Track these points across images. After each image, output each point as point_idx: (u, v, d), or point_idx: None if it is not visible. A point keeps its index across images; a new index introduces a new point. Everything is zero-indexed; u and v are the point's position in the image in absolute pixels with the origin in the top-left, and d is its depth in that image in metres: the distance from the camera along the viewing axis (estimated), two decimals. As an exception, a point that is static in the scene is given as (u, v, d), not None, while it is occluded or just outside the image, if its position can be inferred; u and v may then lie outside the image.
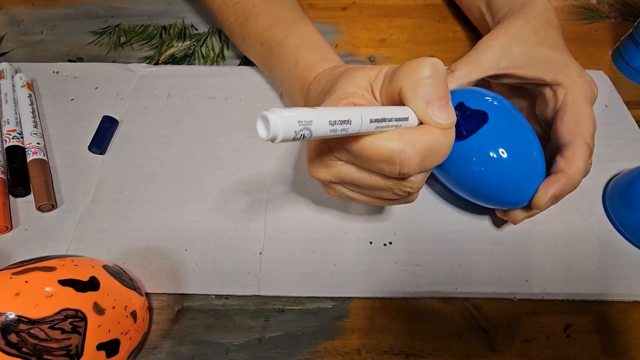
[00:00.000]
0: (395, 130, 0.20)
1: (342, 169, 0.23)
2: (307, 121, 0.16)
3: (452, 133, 0.21)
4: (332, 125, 0.17)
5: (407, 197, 0.24)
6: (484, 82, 0.33)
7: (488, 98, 0.28)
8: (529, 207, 0.28)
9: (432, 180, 0.34)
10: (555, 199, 0.26)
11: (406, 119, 0.21)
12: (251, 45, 0.37)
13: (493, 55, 0.31)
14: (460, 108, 0.27)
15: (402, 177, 0.22)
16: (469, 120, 0.27)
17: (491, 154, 0.26)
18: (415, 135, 0.21)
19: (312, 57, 0.31)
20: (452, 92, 0.29)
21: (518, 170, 0.26)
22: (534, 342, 0.28)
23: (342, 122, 0.18)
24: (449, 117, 0.21)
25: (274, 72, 0.35)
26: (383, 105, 0.22)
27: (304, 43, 0.33)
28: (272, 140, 0.16)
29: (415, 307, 0.29)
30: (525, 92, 0.33)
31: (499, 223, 0.32)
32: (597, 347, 0.28)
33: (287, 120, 0.16)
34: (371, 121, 0.19)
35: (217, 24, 0.41)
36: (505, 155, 0.26)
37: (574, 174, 0.26)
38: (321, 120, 0.17)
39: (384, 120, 0.19)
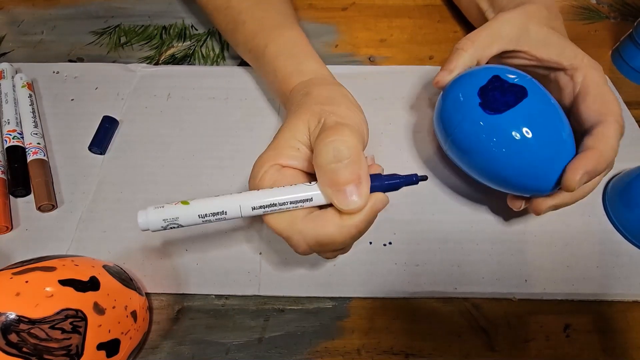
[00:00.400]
0: (288, 214, 0.22)
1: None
2: (172, 218, 0.21)
3: (354, 223, 0.21)
4: (203, 217, 0.21)
5: (333, 258, 0.25)
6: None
7: (514, 76, 0.27)
8: (554, 195, 0.26)
9: (432, 180, 0.34)
10: (588, 177, 0.24)
11: (309, 199, 0.22)
12: (242, 52, 0.37)
13: (513, 30, 0.30)
14: (496, 81, 0.26)
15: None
16: (505, 94, 0.25)
17: (525, 131, 0.25)
18: (306, 224, 0.21)
19: (286, 69, 0.31)
20: (482, 67, 0.28)
21: (548, 150, 0.25)
22: (534, 342, 0.28)
23: (215, 213, 0.21)
24: (354, 202, 0.21)
25: (263, 78, 0.35)
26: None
27: (282, 51, 0.32)
28: (147, 230, 0.21)
29: (415, 307, 0.29)
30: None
31: (499, 223, 0.32)
32: (597, 347, 0.28)
33: (153, 217, 0.21)
34: (254, 208, 0.22)
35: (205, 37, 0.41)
36: (532, 135, 0.25)
37: (606, 150, 0.25)
38: (189, 216, 0.21)
39: (273, 205, 0.22)
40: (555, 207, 0.27)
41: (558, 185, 0.26)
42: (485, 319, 0.29)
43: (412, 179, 0.24)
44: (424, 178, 0.24)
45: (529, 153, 0.25)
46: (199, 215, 0.21)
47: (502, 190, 0.29)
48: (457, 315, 0.29)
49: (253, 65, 0.37)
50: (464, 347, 0.28)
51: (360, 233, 0.22)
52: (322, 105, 0.25)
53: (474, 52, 0.29)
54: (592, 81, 0.28)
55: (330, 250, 0.23)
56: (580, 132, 0.27)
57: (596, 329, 0.28)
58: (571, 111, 0.29)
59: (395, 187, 0.23)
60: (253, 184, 0.24)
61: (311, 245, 0.22)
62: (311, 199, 0.22)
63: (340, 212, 0.22)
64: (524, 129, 0.25)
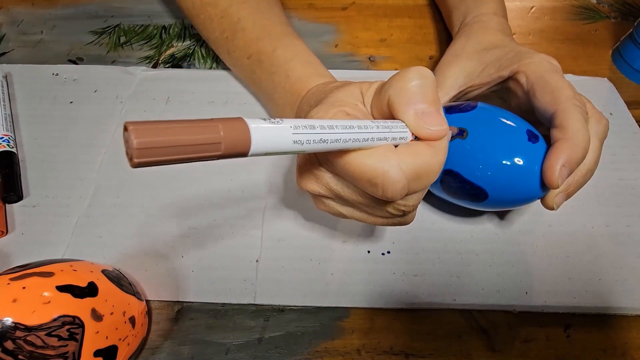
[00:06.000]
0: (382, 148, 0.19)
1: (330, 182, 0.22)
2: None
3: (443, 149, 0.20)
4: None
5: (402, 217, 0.23)
6: None
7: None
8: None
9: (432, 189, 0.34)
10: (567, 168, 0.24)
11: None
12: (237, 59, 0.37)
13: (450, 78, 0.32)
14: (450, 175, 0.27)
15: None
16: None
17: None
18: (403, 156, 0.19)
19: (304, 71, 0.31)
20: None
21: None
22: (534, 342, 0.28)
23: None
24: (440, 124, 0.20)
25: (262, 84, 0.35)
26: (374, 118, 0.22)
27: (295, 57, 0.32)
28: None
29: (415, 308, 0.29)
30: (498, 97, 0.33)
31: (499, 233, 0.32)
32: (597, 347, 0.28)
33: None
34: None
35: (202, 38, 0.40)
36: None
37: (573, 135, 0.24)
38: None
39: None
40: (567, 196, 0.26)
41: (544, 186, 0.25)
42: (485, 319, 0.29)
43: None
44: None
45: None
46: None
47: (500, 209, 0.30)
48: (458, 316, 0.29)
49: (248, 70, 0.36)
50: (464, 348, 0.28)
51: (443, 164, 0.20)
52: (365, 81, 0.24)
53: None
54: (534, 76, 0.27)
55: (424, 184, 0.20)
56: (548, 123, 0.27)
57: (596, 329, 0.28)
58: (534, 110, 0.28)
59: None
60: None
61: (410, 179, 0.19)
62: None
63: (425, 142, 0.20)
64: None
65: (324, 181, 0.22)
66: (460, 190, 0.27)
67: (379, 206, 0.21)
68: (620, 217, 0.33)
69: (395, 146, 0.20)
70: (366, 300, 0.29)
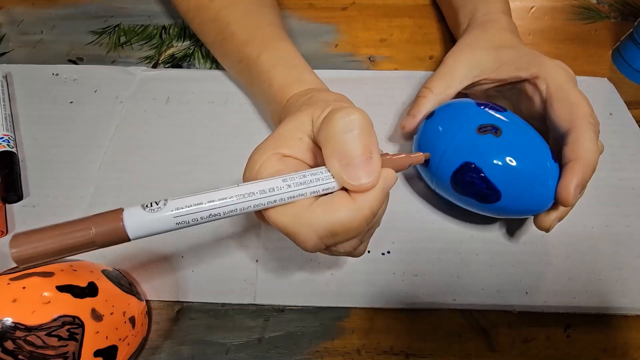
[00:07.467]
0: (297, 204, 0.19)
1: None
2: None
3: (369, 203, 0.19)
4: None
5: (349, 254, 0.23)
6: (460, 95, 0.33)
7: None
8: (554, 207, 0.27)
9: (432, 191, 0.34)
10: (580, 188, 0.25)
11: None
12: (231, 63, 0.37)
13: (464, 67, 0.32)
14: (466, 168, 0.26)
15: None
16: (474, 183, 0.26)
17: (508, 160, 0.25)
18: (316, 214, 0.19)
19: (285, 78, 0.30)
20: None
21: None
22: (534, 342, 0.28)
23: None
24: (368, 175, 0.19)
25: (253, 90, 0.35)
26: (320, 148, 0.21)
27: (278, 62, 0.32)
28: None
29: (416, 308, 0.29)
30: (503, 97, 0.33)
31: (499, 234, 0.32)
32: (597, 347, 0.28)
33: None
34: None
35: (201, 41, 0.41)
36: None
37: (586, 157, 0.25)
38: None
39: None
40: (560, 219, 0.27)
41: (552, 200, 0.26)
42: (485, 319, 0.29)
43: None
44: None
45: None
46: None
47: (498, 216, 0.30)
48: (458, 316, 0.29)
49: (241, 76, 0.36)
50: (464, 348, 0.28)
51: (374, 215, 0.20)
52: (327, 102, 0.24)
53: (434, 97, 0.31)
54: (555, 86, 0.28)
55: (344, 239, 0.20)
56: (559, 137, 0.27)
57: (596, 329, 0.28)
58: (546, 118, 0.29)
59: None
60: (249, 176, 0.21)
61: (323, 237, 0.19)
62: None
63: (350, 193, 0.19)
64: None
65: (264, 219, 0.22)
66: (473, 187, 0.27)
67: None
68: (620, 217, 0.33)
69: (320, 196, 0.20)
70: (366, 300, 0.29)
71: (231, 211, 0.18)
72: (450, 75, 0.32)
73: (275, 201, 0.19)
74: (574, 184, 0.24)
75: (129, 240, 0.17)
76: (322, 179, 0.19)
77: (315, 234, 0.19)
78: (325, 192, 0.20)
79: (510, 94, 0.32)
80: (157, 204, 0.17)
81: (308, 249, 0.19)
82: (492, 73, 0.31)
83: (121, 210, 0.16)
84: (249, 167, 0.21)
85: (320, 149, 0.21)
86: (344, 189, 0.20)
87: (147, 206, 0.17)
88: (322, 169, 0.20)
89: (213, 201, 0.18)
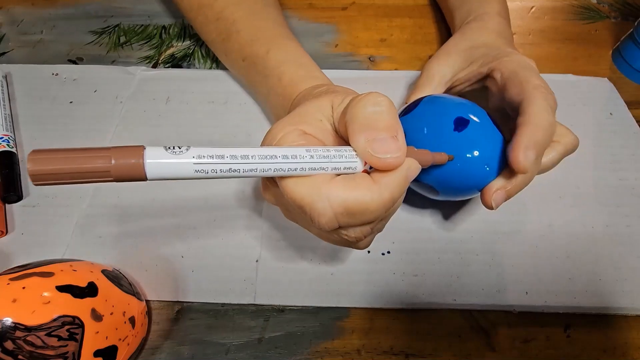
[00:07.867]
0: (317, 177, 0.18)
1: (278, 196, 0.21)
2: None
3: (390, 186, 0.19)
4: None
5: (353, 243, 0.22)
6: None
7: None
8: (500, 178, 0.25)
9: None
10: (533, 151, 0.23)
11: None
12: (234, 61, 0.37)
13: (438, 74, 0.32)
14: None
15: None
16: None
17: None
18: (335, 189, 0.18)
19: (296, 73, 0.30)
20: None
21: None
22: (534, 342, 0.28)
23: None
24: (393, 151, 0.18)
25: (257, 87, 0.35)
26: (340, 135, 0.21)
27: (288, 59, 0.32)
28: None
29: (416, 308, 0.29)
30: (479, 98, 0.33)
31: (500, 234, 0.32)
32: (597, 347, 0.28)
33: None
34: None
35: (202, 39, 0.40)
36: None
37: (537, 118, 0.23)
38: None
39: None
40: (509, 193, 0.25)
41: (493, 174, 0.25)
42: (485, 319, 0.29)
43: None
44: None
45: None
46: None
47: (455, 199, 0.30)
48: (458, 316, 0.29)
49: (244, 72, 0.36)
50: (464, 347, 0.28)
51: (393, 202, 0.19)
52: (347, 92, 0.23)
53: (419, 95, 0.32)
54: (508, 72, 0.28)
55: (358, 222, 0.19)
56: (517, 116, 0.26)
57: (596, 329, 0.28)
58: (505, 107, 0.28)
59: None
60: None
61: (338, 214, 0.18)
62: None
63: (372, 175, 0.19)
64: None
65: (273, 194, 0.22)
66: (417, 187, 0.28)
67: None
68: (620, 217, 0.33)
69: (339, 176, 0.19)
70: (366, 300, 0.29)
71: (251, 170, 0.17)
72: (429, 82, 0.32)
73: (296, 169, 0.18)
74: (523, 145, 0.23)
75: (145, 179, 0.16)
76: (345, 156, 0.19)
77: (332, 209, 0.18)
78: (346, 171, 0.19)
79: (482, 94, 0.33)
80: (180, 148, 0.16)
81: (322, 224, 0.19)
82: (461, 72, 0.32)
83: (143, 147, 0.16)
84: (269, 138, 0.20)
85: (340, 138, 0.20)
86: (365, 172, 0.20)
87: (169, 148, 0.16)
88: (346, 147, 0.20)
89: (235, 157, 0.17)
